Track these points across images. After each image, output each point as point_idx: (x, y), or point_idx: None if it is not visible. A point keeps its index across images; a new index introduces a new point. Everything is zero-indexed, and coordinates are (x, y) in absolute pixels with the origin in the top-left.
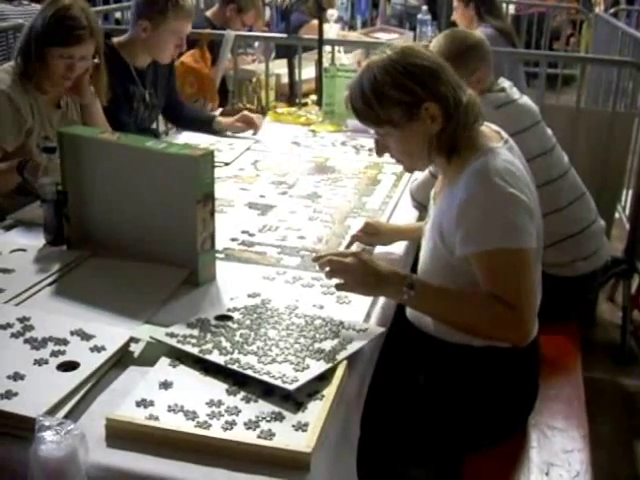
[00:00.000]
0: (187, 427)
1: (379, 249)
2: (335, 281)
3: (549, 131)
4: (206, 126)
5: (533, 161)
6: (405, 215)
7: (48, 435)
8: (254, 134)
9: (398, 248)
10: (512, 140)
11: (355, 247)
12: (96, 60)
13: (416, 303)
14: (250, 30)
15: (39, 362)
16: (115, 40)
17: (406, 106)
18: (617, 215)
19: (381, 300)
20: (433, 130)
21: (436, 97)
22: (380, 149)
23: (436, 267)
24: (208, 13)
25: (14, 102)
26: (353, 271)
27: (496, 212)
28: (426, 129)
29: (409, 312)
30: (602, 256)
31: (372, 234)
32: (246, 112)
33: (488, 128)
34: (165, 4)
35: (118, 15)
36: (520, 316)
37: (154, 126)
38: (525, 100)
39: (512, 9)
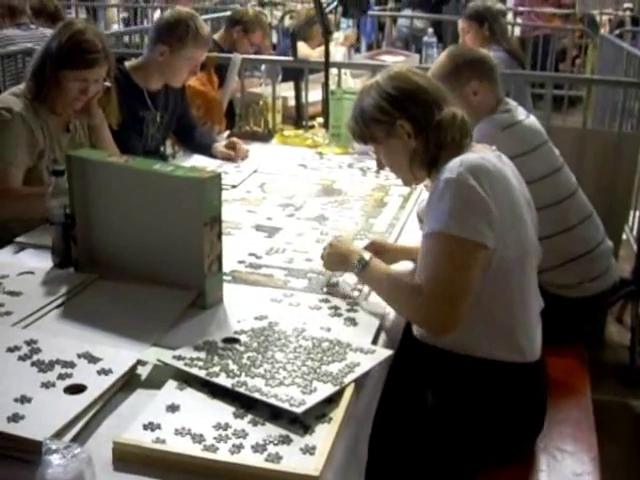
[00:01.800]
0: (194, 450)
1: None
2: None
3: (556, 151)
4: (208, 151)
5: (541, 181)
6: (412, 237)
7: (55, 458)
8: (234, 161)
9: (405, 267)
10: (515, 160)
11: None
12: (107, 83)
13: (362, 278)
14: (258, 50)
15: (46, 385)
16: (127, 64)
17: (383, 124)
18: (625, 236)
19: (389, 322)
20: (411, 146)
21: (407, 116)
22: (378, 163)
23: None
24: (215, 36)
25: (27, 123)
26: (328, 254)
27: (451, 198)
28: (405, 145)
29: (415, 328)
30: (610, 277)
31: (377, 252)
32: (234, 138)
33: (481, 145)
34: (186, 32)
35: (127, 39)
36: (426, 302)
37: (162, 149)
38: (532, 121)
39: (517, 31)
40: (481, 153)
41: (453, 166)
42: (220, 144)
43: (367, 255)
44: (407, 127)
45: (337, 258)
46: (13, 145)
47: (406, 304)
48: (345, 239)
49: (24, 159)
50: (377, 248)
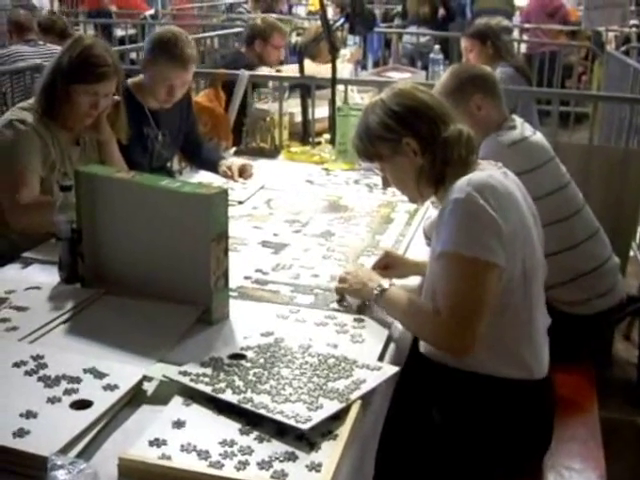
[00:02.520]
0: (200, 467)
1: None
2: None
3: (563, 168)
4: (215, 168)
5: (547, 198)
6: (418, 253)
7: (60, 474)
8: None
9: (413, 280)
10: (522, 176)
11: None
12: (117, 97)
13: (381, 305)
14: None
15: (52, 400)
16: (130, 81)
17: (389, 142)
18: (632, 253)
19: (395, 339)
20: (417, 163)
21: (413, 133)
22: (384, 181)
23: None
24: (242, 49)
25: (40, 135)
26: (346, 280)
27: (461, 218)
28: (411, 162)
29: (422, 345)
30: (617, 294)
31: (389, 266)
32: (245, 163)
33: (486, 162)
34: (159, 49)
35: (134, 55)
36: (445, 324)
37: (168, 165)
38: (538, 137)
39: (524, 48)
40: (487, 171)
41: (461, 186)
42: (226, 162)
43: (385, 283)
44: (413, 144)
45: (356, 285)
46: (29, 154)
47: (425, 328)
48: (363, 267)
49: (39, 168)
50: (390, 260)
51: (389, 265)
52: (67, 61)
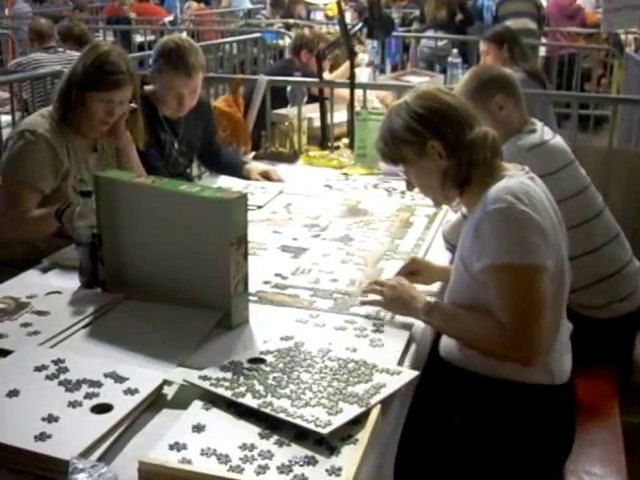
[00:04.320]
0: (220, 471)
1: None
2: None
3: (583, 171)
4: (237, 171)
5: (567, 201)
6: (438, 257)
7: (81, 477)
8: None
9: (434, 286)
10: (542, 180)
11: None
12: (133, 105)
13: (430, 321)
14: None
15: (73, 404)
16: (147, 88)
17: (413, 145)
18: None
19: (415, 343)
20: (442, 166)
21: (438, 135)
22: (408, 185)
23: (464, 298)
24: (288, 56)
25: (51, 145)
26: (390, 297)
27: (506, 228)
28: (436, 165)
29: (442, 349)
30: (638, 297)
31: (415, 272)
32: (270, 170)
33: (512, 165)
34: (161, 58)
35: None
36: (513, 334)
37: (187, 170)
38: (558, 140)
39: (543, 51)
40: (516, 177)
41: (498, 196)
42: (255, 167)
43: (430, 298)
44: (438, 147)
45: (400, 302)
46: (34, 167)
47: (489, 340)
48: (408, 284)
49: (46, 181)
50: (416, 266)
51: (415, 271)
52: (82, 68)
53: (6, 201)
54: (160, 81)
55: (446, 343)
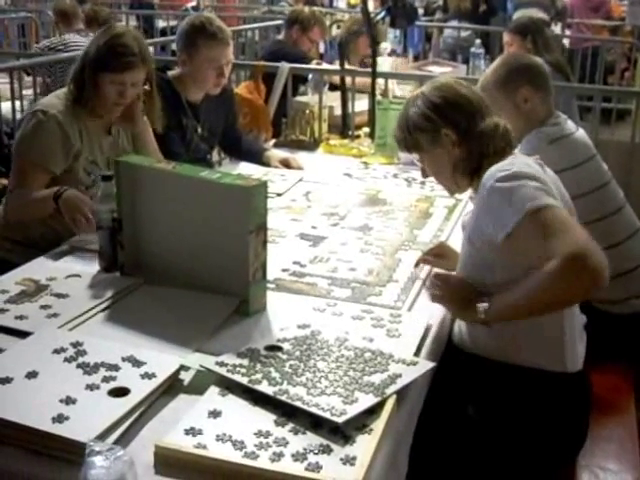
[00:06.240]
0: (235, 457)
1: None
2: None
3: (605, 166)
4: (257, 158)
5: (588, 196)
6: (457, 248)
7: (98, 460)
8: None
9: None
10: (563, 174)
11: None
12: (147, 87)
13: (495, 316)
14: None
15: (91, 387)
16: (170, 73)
17: (428, 132)
18: None
19: (432, 334)
20: (455, 154)
21: (452, 124)
22: (423, 172)
23: (475, 275)
24: (280, 37)
25: (62, 126)
26: (454, 286)
27: (510, 187)
28: (449, 153)
29: (456, 336)
30: None
31: (442, 255)
32: (290, 158)
33: (523, 155)
34: (194, 34)
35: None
36: (569, 255)
37: (208, 157)
38: (580, 134)
39: (566, 43)
40: (522, 158)
41: (502, 166)
42: (275, 154)
43: (484, 299)
44: (452, 135)
45: (458, 304)
46: (44, 147)
47: (556, 287)
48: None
49: (56, 162)
50: (444, 251)
51: (442, 255)
52: (95, 49)
53: (15, 179)
54: (197, 58)
55: (457, 329)
